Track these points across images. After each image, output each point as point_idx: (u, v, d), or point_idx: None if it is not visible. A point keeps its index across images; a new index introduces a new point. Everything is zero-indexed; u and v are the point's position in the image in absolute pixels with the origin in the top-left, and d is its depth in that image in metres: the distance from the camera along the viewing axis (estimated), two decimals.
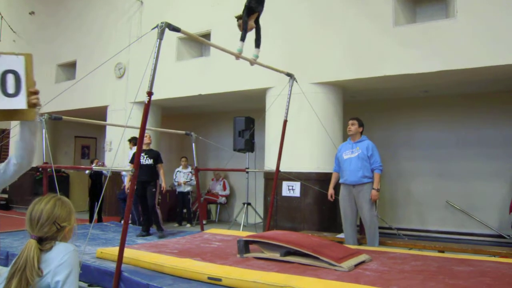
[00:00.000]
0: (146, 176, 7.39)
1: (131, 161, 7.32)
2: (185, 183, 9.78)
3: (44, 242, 1.93)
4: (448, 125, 8.48)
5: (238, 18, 5.35)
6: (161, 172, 7.56)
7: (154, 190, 7.42)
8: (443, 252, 5.52)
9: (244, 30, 5.25)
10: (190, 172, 9.72)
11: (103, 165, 9.59)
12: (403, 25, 6.83)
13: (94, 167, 7.93)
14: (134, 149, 8.93)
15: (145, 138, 7.57)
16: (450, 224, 8.28)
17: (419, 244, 6.05)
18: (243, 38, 5.25)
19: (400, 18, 6.87)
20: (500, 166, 7.77)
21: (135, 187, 7.48)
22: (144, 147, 7.62)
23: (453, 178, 8.29)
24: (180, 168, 9.98)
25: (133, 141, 9.14)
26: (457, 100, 8.32)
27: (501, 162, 7.77)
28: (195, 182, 8.25)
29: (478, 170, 8.06)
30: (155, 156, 7.53)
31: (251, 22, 5.31)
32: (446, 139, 8.47)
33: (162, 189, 7.53)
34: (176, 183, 9.91)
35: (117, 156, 8.88)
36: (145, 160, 7.47)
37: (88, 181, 9.58)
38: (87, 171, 9.42)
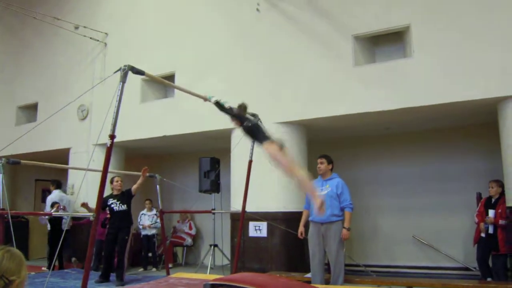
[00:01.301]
0: (120, 222, 7.20)
1: (104, 207, 7.09)
2: (149, 226, 9.56)
3: None
4: (411, 161, 8.66)
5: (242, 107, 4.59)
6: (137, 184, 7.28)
7: (126, 237, 7.21)
8: (411, 287, 5.52)
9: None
10: (155, 214, 9.51)
11: (64, 209, 9.28)
12: (363, 65, 7.04)
13: (54, 212, 7.67)
14: (55, 192, 8.76)
15: (115, 184, 7.43)
16: (418, 259, 8.33)
17: (387, 281, 6.04)
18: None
19: (359, 58, 7.08)
20: (463, 199, 7.91)
21: (108, 232, 7.32)
22: (115, 192, 7.44)
23: (419, 213, 8.40)
24: (144, 211, 9.77)
25: (55, 183, 8.97)
26: (419, 136, 8.53)
27: (463, 195, 7.92)
28: (160, 225, 8.07)
29: (442, 204, 8.19)
30: (128, 197, 7.35)
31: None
32: (409, 174, 8.62)
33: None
34: (140, 226, 9.68)
35: (79, 199, 8.64)
36: (119, 207, 7.25)
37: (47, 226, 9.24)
38: (44, 218, 9.01)
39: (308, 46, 7.38)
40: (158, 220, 8.87)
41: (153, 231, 9.60)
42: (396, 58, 6.95)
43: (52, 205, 8.68)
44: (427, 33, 6.44)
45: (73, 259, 9.26)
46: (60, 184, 9.01)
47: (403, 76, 6.55)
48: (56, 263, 8.35)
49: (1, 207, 5.63)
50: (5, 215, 5.41)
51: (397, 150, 8.78)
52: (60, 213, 8.29)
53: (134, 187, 7.32)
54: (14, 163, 5.57)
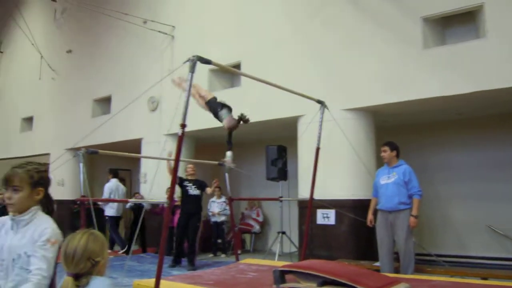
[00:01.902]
0: (193, 208, 7.51)
1: (179, 184, 7.52)
2: (219, 213, 9.79)
3: (80, 278, 1.96)
4: (484, 147, 8.28)
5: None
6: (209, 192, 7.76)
7: (198, 224, 7.50)
8: (486, 279, 5.32)
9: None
10: (224, 202, 9.74)
11: (142, 198, 9.75)
12: (432, 47, 6.80)
13: (132, 200, 8.11)
14: (112, 181, 9.24)
15: (189, 169, 7.80)
16: (493, 250, 7.98)
17: (460, 271, 5.86)
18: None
19: (429, 40, 6.84)
20: None
21: (180, 218, 7.66)
22: (189, 177, 7.78)
23: (493, 201, 8.03)
24: (214, 198, 10.02)
25: (112, 172, 9.44)
26: (492, 121, 8.13)
27: None
28: (229, 212, 8.26)
29: None
30: (201, 185, 7.66)
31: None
32: (482, 160, 8.24)
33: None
34: (210, 213, 9.95)
35: (153, 188, 9.02)
36: (193, 190, 7.59)
37: (130, 213, 9.91)
38: (128, 205, 9.64)
39: (376, 29, 7.22)
40: (227, 207, 9.07)
41: (222, 218, 9.84)
42: (468, 39, 6.63)
43: (134, 194, 9.30)
44: (502, 12, 6.10)
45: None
46: (117, 173, 9.56)
47: (476, 58, 6.25)
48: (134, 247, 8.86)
49: (82, 194, 5.99)
50: (86, 202, 5.76)
51: (469, 135, 8.42)
52: (138, 200, 8.83)
53: (208, 190, 7.70)
54: (92, 153, 5.90)
